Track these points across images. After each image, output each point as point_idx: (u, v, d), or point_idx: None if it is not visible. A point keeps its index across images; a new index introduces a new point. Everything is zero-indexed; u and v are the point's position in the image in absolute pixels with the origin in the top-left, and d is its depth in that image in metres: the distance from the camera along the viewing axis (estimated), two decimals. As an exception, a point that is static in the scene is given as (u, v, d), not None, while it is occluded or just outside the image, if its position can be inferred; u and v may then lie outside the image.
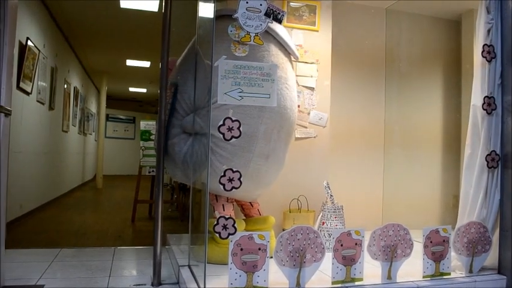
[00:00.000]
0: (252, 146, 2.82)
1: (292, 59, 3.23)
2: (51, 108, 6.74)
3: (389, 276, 2.51)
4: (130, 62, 9.27)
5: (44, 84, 6.20)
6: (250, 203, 3.25)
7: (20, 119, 4.99)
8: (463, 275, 2.72)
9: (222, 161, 2.78)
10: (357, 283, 2.43)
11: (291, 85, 3.06)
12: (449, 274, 2.67)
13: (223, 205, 2.98)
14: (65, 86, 7.94)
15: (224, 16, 2.96)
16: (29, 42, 5.16)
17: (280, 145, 3.02)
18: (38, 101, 5.87)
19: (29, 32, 5.23)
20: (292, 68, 3.22)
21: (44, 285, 2.64)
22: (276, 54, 2.96)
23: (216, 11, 3.01)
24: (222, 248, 2.77)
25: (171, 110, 3.07)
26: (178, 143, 3.01)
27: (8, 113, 2.51)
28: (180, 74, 3.17)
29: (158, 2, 5.57)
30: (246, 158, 2.83)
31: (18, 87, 4.89)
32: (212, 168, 2.75)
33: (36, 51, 5.51)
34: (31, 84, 5.37)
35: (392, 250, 2.51)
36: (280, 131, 2.97)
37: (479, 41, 2.93)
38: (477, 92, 2.91)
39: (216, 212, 2.96)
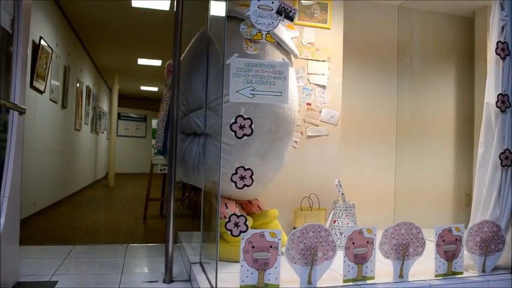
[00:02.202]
0: (247, 145, 2.84)
1: (292, 57, 3.21)
2: (64, 106, 6.80)
3: (401, 274, 2.49)
4: (141, 61, 9.31)
5: (57, 83, 6.26)
6: (248, 200, 3.26)
7: (33, 118, 5.04)
8: (476, 275, 2.70)
9: (218, 161, 2.82)
10: (368, 281, 2.42)
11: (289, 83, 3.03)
12: (461, 273, 2.65)
13: (225, 204, 3.02)
14: (78, 84, 8.00)
15: (230, 17, 3.00)
16: (42, 42, 5.21)
17: (277, 144, 3.00)
18: (51, 100, 5.92)
19: (42, 31, 5.28)
20: (292, 66, 3.20)
21: (57, 282, 2.67)
22: (271, 53, 2.94)
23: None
24: (232, 246, 2.78)
25: (169, 111, 3.09)
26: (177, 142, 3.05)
27: (22, 111, 2.54)
28: (180, 75, 3.19)
29: (169, 1, 5.58)
30: (241, 157, 2.86)
31: (32, 86, 4.94)
32: (209, 168, 2.80)
33: (49, 51, 5.57)
34: (44, 83, 5.42)
35: (404, 249, 2.50)
36: (277, 131, 2.95)
37: (493, 38, 2.90)
38: (491, 89, 2.88)
39: (228, 209, 2.97)
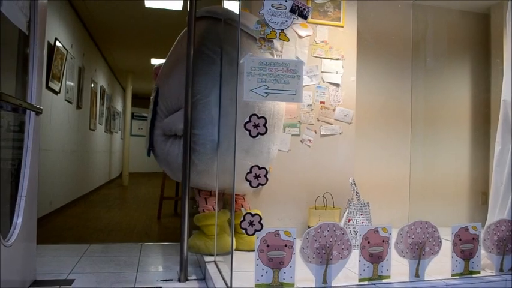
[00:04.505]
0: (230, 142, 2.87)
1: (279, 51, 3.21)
2: (78, 107, 6.87)
3: (417, 274, 2.47)
4: (155, 61, 9.36)
5: (72, 83, 6.32)
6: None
7: (49, 118, 5.10)
8: (493, 274, 2.66)
9: (201, 158, 2.92)
10: (384, 281, 2.41)
11: None
12: (478, 273, 2.61)
13: (205, 199, 3.10)
14: (92, 85, 8.08)
15: (207, 17, 3.12)
16: (57, 43, 5.27)
17: (260, 139, 2.92)
18: (66, 100, 5.99)
19: (57, 32, 5.34)
20: (275, 56, 3.19)
21: (74, 280, 2.70)
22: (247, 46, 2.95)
23: (198, 12, 3.12)
24: (210, 239, 2.95)
25: (153, 113, 3.20)
26: (160, 144, 3.14)
27: (38, 112, 2.57)
28: (161, 78, 3.28)
29: (182, 1, 5.60)
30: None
31: (47, 87, 5.00)
32: (195, 168, 2.93)
33: (64, 52, 5.63)
34: (59, 83, 5.49)
35: (420, 248, 2.48)
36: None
37: (509, 34, 2.85)
38: (508, 86, 2.84)
39: (207, 204, 3.07)
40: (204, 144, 2.93)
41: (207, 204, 3.13)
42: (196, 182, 3.09)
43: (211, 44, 3.02)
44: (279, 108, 3.12)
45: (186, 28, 3.07)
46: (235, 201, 3.27)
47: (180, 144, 2.99)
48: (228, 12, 3.14)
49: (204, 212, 3.09)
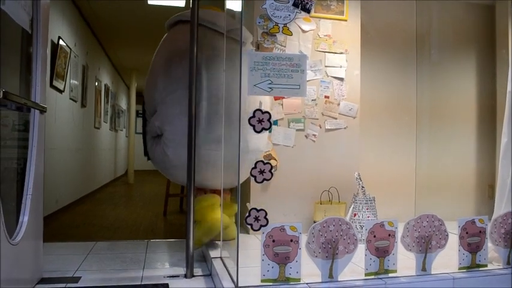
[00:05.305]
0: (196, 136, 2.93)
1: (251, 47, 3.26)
2: (83, 105, 6.88)
3: (423, 268, 2.46)
4: (158, 58, 9.36)
5: (76, 82, 6.34)
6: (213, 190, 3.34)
7: (53, 117, 5.11)
8: (501, 267, 2.64)
9: (174, 152, 3.03)
10: (390, 275, 2.40)
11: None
12: (486, 266, 2.60)
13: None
14: (96, 83, 8.09)
15: (183, 21, 3.27)
16: (61, 42, 5.28)
17: (230, 130, 2.97)
18: (70, 99, 6.00)
19: (61, 31, 5.35)
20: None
21: (80, 277, 2.71)
22: (210, 37, 3.08)
23: (171, 18, 3.38)
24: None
25: (143, 120, 3.44)
26: (150, 148, 3.30)
27: (43, 110, 2.58)
28: (145, 86, 3.49)
29: (185, -3, 5.60)
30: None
31: (52, 86, 5.01)
32: (166, 161, 3.09)
33: (68, 50, 5.63)
34: (63, 82, 5.49)
35: (426, 241, 2.47)
36: (229, 115, 2.98)
37: (515, 25, 2.83)
38: (514, 77, 2.82)
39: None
40: (174, 140, 3.03)
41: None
42: (175, 178, 3.29)
43: (184, 45, 3.09)
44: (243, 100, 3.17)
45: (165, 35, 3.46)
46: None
47: (160, 142, 3.13)
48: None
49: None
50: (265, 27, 2.28)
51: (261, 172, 2.18)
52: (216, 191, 3.28)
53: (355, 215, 3.34)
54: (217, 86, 3.07)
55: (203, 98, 3.04)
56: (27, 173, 2.45)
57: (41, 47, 2.56)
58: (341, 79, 3.74)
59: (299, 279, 2.23)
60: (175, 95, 3.07)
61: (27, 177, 2.44)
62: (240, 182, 2.68)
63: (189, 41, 2.91)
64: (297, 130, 3.65)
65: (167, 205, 5.52)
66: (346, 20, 3.75)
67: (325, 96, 3.71)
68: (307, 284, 2.25)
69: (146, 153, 3.40)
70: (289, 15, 2.26)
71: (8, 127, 2.77)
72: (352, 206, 3.39)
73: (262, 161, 2.19)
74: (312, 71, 3.64)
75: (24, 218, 2.36)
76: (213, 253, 2.95)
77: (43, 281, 2.61)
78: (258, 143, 3.22)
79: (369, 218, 3.28)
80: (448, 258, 2.56)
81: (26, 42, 2.64)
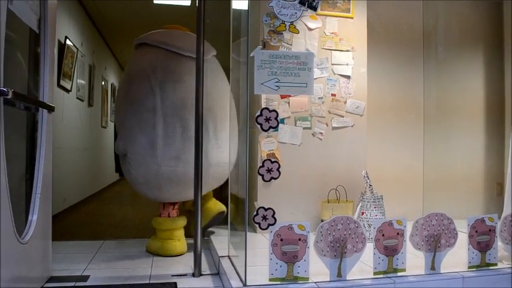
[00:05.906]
0: (155, 150, 2.96)
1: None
2: (90, 104, 6.91)
3: (432, 266, 2.45)
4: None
5: (83, 81, 6.36)
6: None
7: (61, 116, 5.14)
8: (511, 266, 2.62)
9: (137, 171, 3.04)
10: (399, 274, 2.39)
11: (187, 80, 3.07)
12: (495, 265, 2.58)
13: (163, 204, 3.28)
14: (103, 82, 8.12)
15: (145, 44, 3.35)
16: (68, 41, 5.30)
17: (189, 144, 2.95)
18: (77, 98, 6.03)
19: (68, 31, 5.37)
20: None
21: (89, 276, 2.72)
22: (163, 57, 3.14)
23: (139, 38, 3.44)
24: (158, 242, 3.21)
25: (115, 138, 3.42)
26: (122, 166, 3.29)
27: (51, 110, 2.59)
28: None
29: (191, -4, 5.60)
30: (154, 163, 2.97)
31: (59, 85, 5.03)
32: (133, 179, 3.12)
33: (75, 50, 5.66)
34: (70, 82, 5.52)
35: (435, 240, 2.45)
36: (184, 132, 2.99)
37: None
38: (523, 74, 2.79)
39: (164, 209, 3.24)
40: (137, 160, 3.03)
41: (164, 209, 3.28)
42: (144, 194, 3.25)
43: (144, 67, 3.19)
44: (217, 107, 3.17)
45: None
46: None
47: (125, 160, 3.14)
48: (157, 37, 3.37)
49: (160, 216, 3.28)
50: (271, 25, 2.28)
51: (269, 171, 2.17)
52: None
53: (362, 213, 3.33)
54: (173, 103, 3.05)
55: (158, 119, 3.03)
56: (36, 172, 2.46)
57: (49, 46, 2.57)
58: (348, 77, 3.72)
59: (307, 278, 2.23)
60: (135, 116, 3.05)
61: (36, 177, 2.45)
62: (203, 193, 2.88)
63: (149, 64, 3.10)
64: (304, 128, 3.64)
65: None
66: (352, 18, 3.73)
67: (332, 94, 3.70)
68: (315, 283, 2.24)
69: (118, 169, 3.43)
70: (296, 13, 2.26)
71: (16, 126, 2.78)
72: (360, 204, 3.37)
73: (269, 160, 2.19)
74: (318, 69, 3.63)
75: (33, 217, 2.37)
76: (220, 252, 2.95)
77: (52, 279, 2.63)
78: (222, 157, 3.17)
79: (377, 217, 3.27)
80: (458, 257, 2.54)
81: (33, 42, 2.65)
